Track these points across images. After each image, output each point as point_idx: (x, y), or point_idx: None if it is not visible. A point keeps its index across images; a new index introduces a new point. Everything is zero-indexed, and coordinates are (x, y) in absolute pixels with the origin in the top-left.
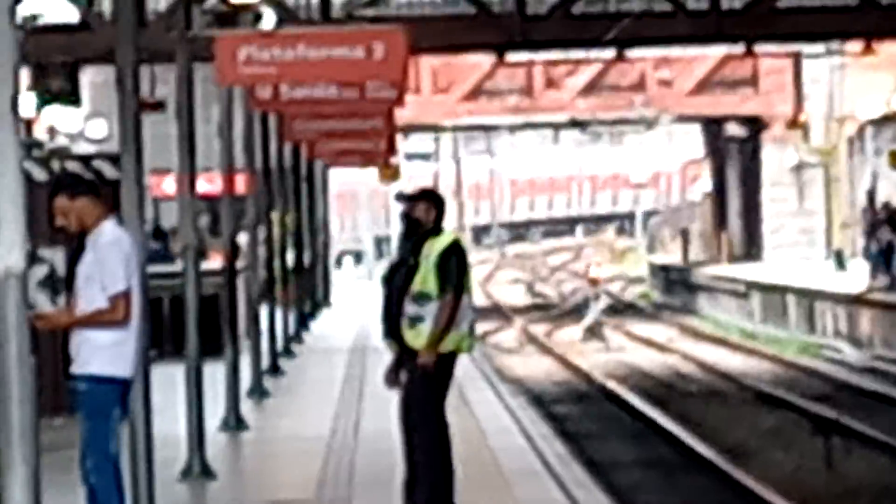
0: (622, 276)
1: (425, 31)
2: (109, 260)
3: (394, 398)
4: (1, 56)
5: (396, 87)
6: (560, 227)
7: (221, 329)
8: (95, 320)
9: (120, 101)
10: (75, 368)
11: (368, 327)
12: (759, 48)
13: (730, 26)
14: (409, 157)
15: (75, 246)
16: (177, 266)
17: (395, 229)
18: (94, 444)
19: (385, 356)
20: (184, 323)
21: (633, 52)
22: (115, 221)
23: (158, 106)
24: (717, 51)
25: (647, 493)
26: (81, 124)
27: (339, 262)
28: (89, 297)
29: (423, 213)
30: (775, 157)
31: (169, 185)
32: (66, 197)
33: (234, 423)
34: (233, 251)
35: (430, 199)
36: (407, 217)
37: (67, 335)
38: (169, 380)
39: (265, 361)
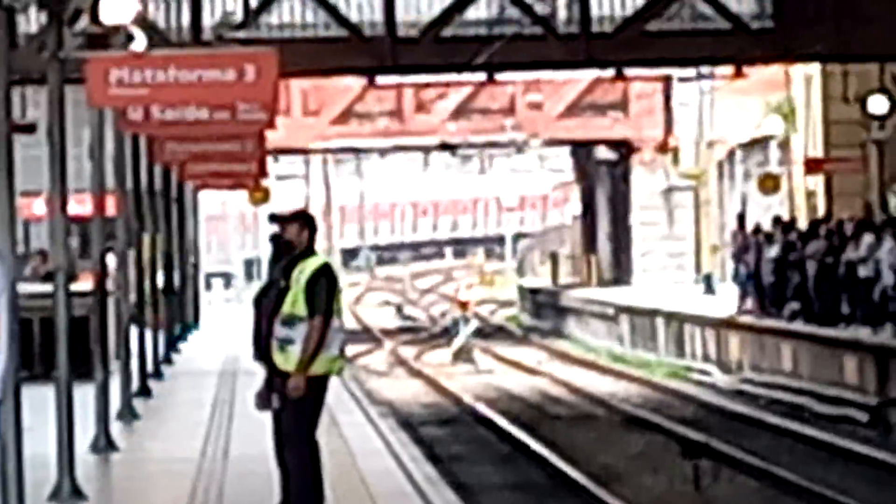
0: (492, 299)
1: (296, 53)
2: None
3: (265, 421)
4: None
5: (267, 110)
6: (429, 249)
7: (91, 351)
8: None
9: None
10: None
11: (238, 350)
12: (630, 72)
13: (600, 50)
14: (280, 178)
15: None
16: (48, 287)
17: (265, 251)
18: None
19: (255, 379)
20: (54, 344)
21: (504, 76)
22: None
23: (29, 128)
24: (587, 74)
25: None
26: None
27: (208, 284)
28: None
29: (296, 234)
30: (645, 181)
31: (39, 206)
32: None
33: (104, 444)
34: (103, 273)
35: (303, 220)
36: (276, 239)
37: None
38: (39, 401)
39: (135, 383)
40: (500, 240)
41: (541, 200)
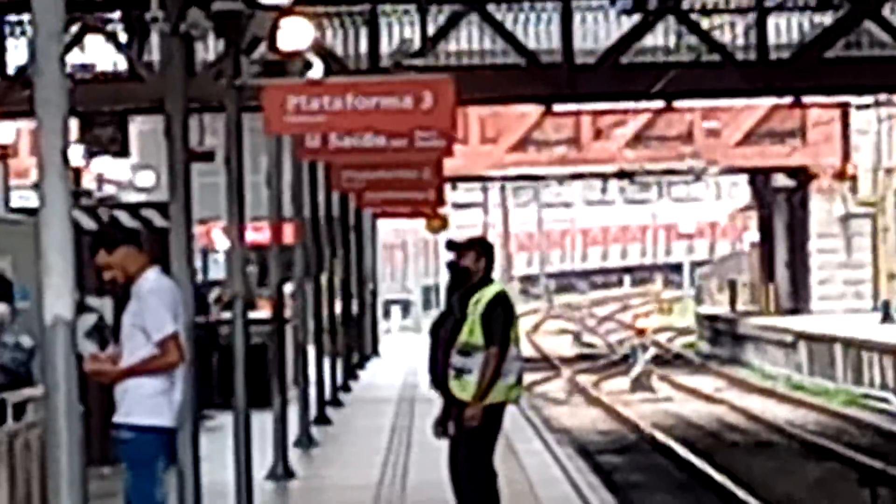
0: (670, 326)
1: (474, 81)
2: (153, 306)
3: (443, 448)
4: (51, 106)
5: (445, 137)
6: (607, 277)
7: (269, 378)
8: (149, 368)
9: (169, 151)
10: (118, 417)
11: (416, 377)
12: (807, 99)
13: (778, 78)
14: (457, 206)
15: (122, 295)
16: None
17: (444, 279)
18: (138, 493)
19: (433, 406)
20: (232, 372)
21: (681, 103)
22: (160, 270)
23: (207, 155)
24: (765, 101)
25: None
26: (129, 173)
27: (386, 312)
28: (133, 347)
29: (473, 262)
30: (823, 208)
31: (217, 234)
32: (105, 251)
33: (282, 472)
34: (280, 301)
35: (481, 248)
36: (453, 266)
37: (112, 383)
38: (217, 429)
39: (313, 411)
40: (678, 267)
41: (718, 227)
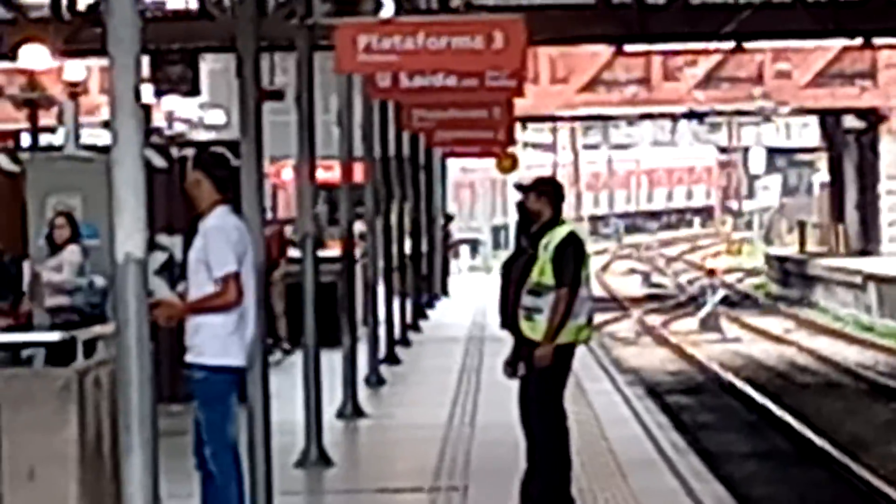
0: (739, 267)
1: (544, 21)
2: (215, 243)
3: (512, 388)
4: (124, 44)
5: (515, 77)
6: (676, 217)
7: (339, 317)
8: (208, 305)
9: (240, 90)
10: (189, 357)
11: (485, 317)
12: (878, 40)
13: (848, 19)
14: (527, 146)
15: (189, 232)
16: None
17: (513, 219)
18: (211, 432)
19: (502, 346)
20: (302, 311)
21: (752, 44)
22: (228, 209)
23: (277, 94)
24: (835, 42)
25: (763, 485)
26: (199, 112)
27: (455, 251)
28: (198, 283)
29: (542, 203)
30: (893, 150)
31: (287, 173)
32: (196, 171)
33: (351, 410)
34: (350, 240)
35: (550, 188)
36: (522, 207)
37: (183, 322)
38: (287, 368)
39: (382, 350)
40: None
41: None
